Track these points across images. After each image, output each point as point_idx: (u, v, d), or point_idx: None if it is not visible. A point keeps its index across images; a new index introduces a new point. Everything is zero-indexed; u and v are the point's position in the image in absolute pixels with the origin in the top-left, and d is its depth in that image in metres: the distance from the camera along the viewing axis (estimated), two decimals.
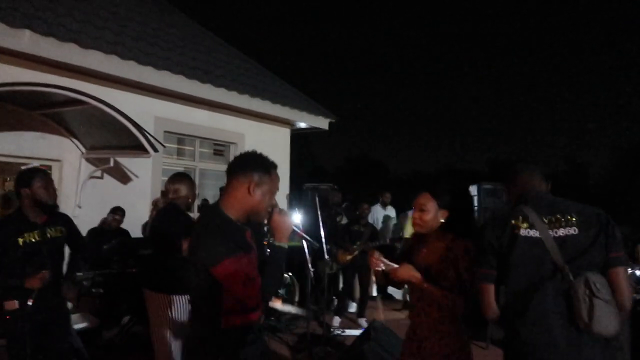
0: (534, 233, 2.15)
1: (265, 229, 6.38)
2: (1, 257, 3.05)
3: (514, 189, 2.40)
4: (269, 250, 2.17)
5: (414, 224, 2.48)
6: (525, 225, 2.18)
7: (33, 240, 3.15)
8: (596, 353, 2.02)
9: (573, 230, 2.13)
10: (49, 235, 3.25)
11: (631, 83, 72.46)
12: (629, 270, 6.04)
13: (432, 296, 2.31)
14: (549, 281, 2.09)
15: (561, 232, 2.13)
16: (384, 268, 2.45)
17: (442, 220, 2.40)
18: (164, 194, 3.93)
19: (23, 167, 5.52)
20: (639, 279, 5.76)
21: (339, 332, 6.01)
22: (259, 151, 2.18)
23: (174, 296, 3.34)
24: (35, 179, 3.18)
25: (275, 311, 5.81)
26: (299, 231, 4.49)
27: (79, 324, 5.08)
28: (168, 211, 3.65)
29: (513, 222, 2.20)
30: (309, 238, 4.59)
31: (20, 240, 3.11)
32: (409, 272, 2.35)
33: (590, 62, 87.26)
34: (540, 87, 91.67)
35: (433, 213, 2.39)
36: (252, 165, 2.08)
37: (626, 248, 6.90)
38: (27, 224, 3.16)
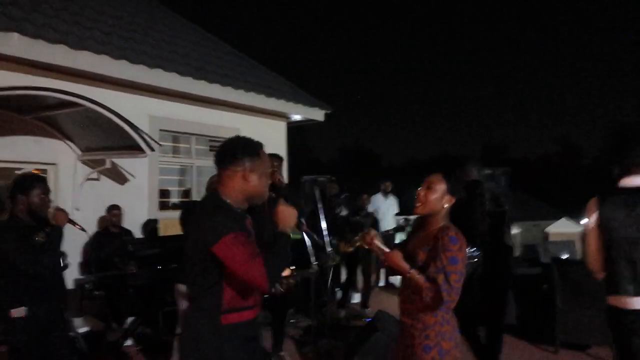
0: None
1: None
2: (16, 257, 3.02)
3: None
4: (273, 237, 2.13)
5: (416, 201, 2.42)
6: None
7: (43, 240, 3.15)
8: None
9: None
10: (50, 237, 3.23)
11: (624, 64, 72.66)
12: None
13: (416, 286, 2.27)
14: None
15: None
16: (376, 247, 2.43)
17: (446, 206, 2.36)
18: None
19: (20, 172, 5.49)
20: None
21: (343, 323, 6.02)
22: (240, 135, 2.16)
23: None
24: (35, 187, 3.18)
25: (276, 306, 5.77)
26: (304, 225, 4.46)
27: (82, 328, 5.08)
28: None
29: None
30: (312, 234, 4.56)
31: (37, 240, 3.11)
32: (395, 259, 2.31)
33: (582, 44, 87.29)
34: (532, 70, 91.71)
35: (439, 194, 2.35)
36: (241, 151, 2.06)
37: None
38: (31, 226, 3.15)
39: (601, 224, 2.71)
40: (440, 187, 2.35)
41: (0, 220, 3.24)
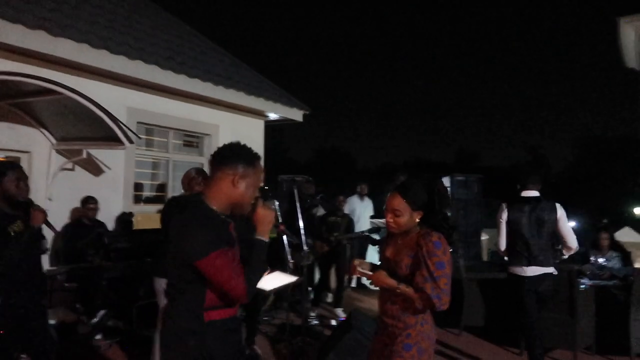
0: None
1: None
2: None
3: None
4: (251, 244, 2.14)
5: (388, 227, 2.45)
6: None
7: (19, 230, 3.11)
8: None
9: None
10: (29, 226, 3.19)
11: (591, 76, 75.10)
12: (592, 259, 6.33)
13: (408, 297, 2.31)
14: None
15: None
16: (362, 274, 2.52)
17: (417, 220, 2.40)
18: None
19: None
20: (601, 266, 6.04)
21: (316, 322, 6.08)
22: (242, 142, 2.16)
23: None
24: (7, 174, 3.12)
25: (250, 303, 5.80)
26: (281, 225, 4.52)
27: (52, 319, 4.99)
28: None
29: None
30: (289, 233, 4.63)
31: (11, 231, 3.06)
32: (383, 279, 2.36)
33: (553, 55, 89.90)
34: (504, 78, 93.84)
35: (407, 216, 2.37)
36: (237, 157, 2.07)
37: (588, 237, 7.19)
38: (8, 215, 3.10)
39: (509, 220, 4.35)
40: (404, 208, 2.36)
41: None
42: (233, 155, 2.08)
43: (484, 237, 8.97)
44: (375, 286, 2.45)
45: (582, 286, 5.19)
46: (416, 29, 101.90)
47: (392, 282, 2.34)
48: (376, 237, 6.66)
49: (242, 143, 2.16)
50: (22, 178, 3.20)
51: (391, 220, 2.40)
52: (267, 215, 2.13)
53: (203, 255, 1.88)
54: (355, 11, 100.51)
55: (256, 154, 2.17)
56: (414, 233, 2.40)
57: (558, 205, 4.28)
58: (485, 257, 12.19)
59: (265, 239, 2.12)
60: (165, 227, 3.78)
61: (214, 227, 1.97)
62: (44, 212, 3.22)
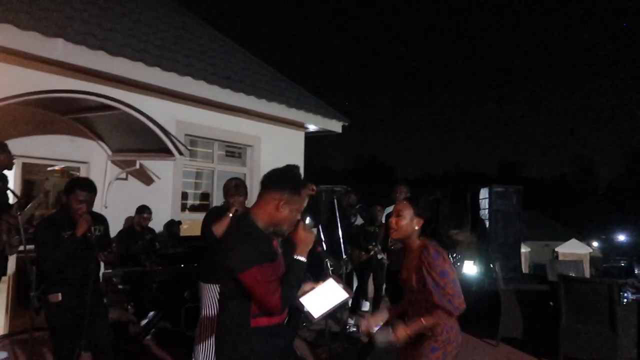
0: None
1: None
2: (50, 252, 3.25)
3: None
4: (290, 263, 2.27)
5: (390, 229, 2.67)
6: None
7: (66, 236, 3.32)
8: None
9: None
10: (89, 233, 3.46)
11: None
12: (637, 271, 6.20)
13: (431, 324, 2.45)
14: None
15: None
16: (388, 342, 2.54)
17: (417, 228, 2.60)
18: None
19: (49, 168, 5.80)
20: None
21: (354, 329, 6.22)
22: (293, 170, 2.34)
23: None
24: (75, 192, 3.32)
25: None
26: (318, 247, 4.68)
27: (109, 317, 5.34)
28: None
29: None
30: (327, 255, 4.79)
31: (65, 234, 3.31)
32: (406, 333, 2.46)
33: (601, 61, 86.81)
34: (548, 88, 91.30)
35: (408, 219, 2.59)
36: (285, 183, 2.23)
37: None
38: (71, 222, 3.35)
39: None
40: (408, 213, 2.60)
41: (51, 213, 3.49)
42: (281, 181, 2.24)
43: (525, 249, 8.86)
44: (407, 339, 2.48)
45: (625, 299, 5.12)
46: (458, 37, 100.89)
47: (413, 328, 2.45)
48: None
49: (291, 168, 2.33)
50: (87, 201, 3.34)
51: (393, 221, 2.64)
52: (308, 237, 2.27)
53: (245, 269, 2.05)
54: (394, 21, 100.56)
55: (304, 181, 2.34)
56: (415, 247, 2.60)
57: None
58: (526, 270, 12.03)
59: (304, 258, 2.26)
60: (206, 236, 3.93)
61: (258, 242, 2.15)
62: (87, 221, 3.31)
